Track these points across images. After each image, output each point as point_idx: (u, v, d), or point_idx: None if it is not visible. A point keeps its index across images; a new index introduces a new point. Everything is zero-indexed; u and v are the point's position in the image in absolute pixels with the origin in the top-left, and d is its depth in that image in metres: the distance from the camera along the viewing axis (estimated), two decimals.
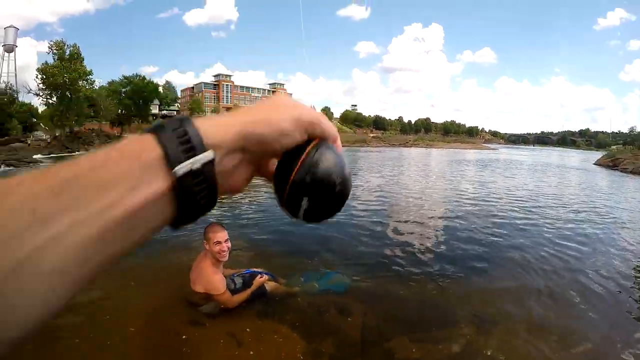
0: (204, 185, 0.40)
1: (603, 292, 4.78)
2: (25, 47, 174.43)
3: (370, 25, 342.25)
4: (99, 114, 59.23)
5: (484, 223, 7.97)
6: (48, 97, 50.16)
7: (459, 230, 7.38)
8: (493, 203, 10.50)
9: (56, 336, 3.22)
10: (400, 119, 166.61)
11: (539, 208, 10.10)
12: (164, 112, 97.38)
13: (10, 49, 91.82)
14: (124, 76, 69.25)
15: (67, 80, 48.50)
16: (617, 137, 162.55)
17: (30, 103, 60.51)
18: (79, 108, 50.87)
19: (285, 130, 0.45)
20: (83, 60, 51.52)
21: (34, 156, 34.21)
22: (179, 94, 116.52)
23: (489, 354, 3.37)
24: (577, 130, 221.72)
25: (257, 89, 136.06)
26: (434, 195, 12.05)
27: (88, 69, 51.80)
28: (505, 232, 7.31)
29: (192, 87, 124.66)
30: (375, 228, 7.37)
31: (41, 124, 59.57)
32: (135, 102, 67.32)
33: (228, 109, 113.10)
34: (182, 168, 0.38)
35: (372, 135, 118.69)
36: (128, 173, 0.36)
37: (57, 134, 51.74)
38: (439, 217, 8.62)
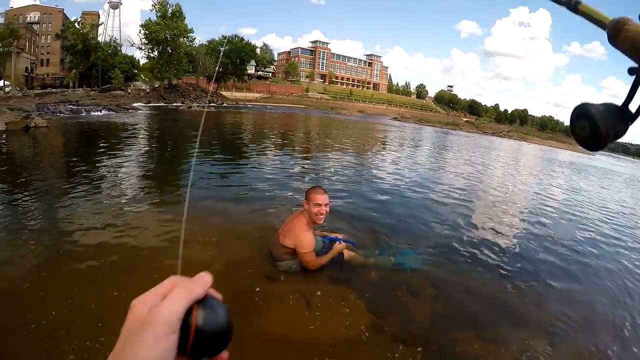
0: None
1: None
2: (130, 5, 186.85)
3: (474, 3, 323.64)
4: (197, 69, 60.84)
5: (569, 232, 7.25)
6: (150, 51, 52.77)
7: (541, 234, 6.76)
8: (581, 213, 9.43)
9: (135, 258, 3.84)
10: (496, 107, 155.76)
11: (631, 228, 8.77)
12: (260, 72, 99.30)
13: (115, 5, 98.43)
14: (223, 36, 70.56)
15: (168, 36, 50.81)
16: None
17: (133, 56, 64.54)
18: (178, 63, 52.96)
19: (160, 357, 0.43)
20: (184, 18, 53.60)
21: (133, 104, 35.50)
22: (275, 57, 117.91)
23: None
24: None
25: (354, 58, 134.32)
26: (520, 193, 11.20)
27: (189, 27, 53.58)
28: (590, 246, 6.57)
29: (289, 52, 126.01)
30: (457, 217, 6.97)
31: (142, 75, 63.02)
32: (233, 61, 68.55)
33: (323, 75, 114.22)
34: None
35: (465, 119, 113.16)
36: None
37: (156, 85, 54.30)
38: (523, 217, 8.02)
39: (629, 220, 9.58)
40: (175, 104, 43.76)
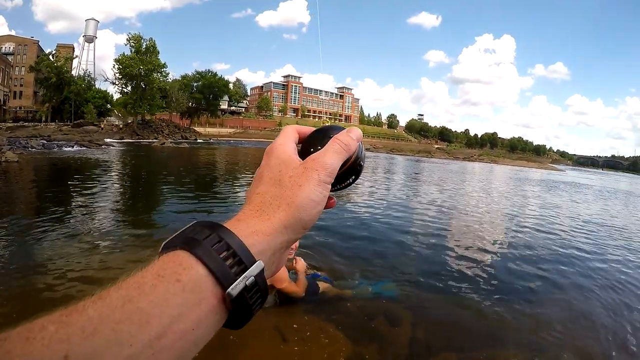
0: (258, 294, 0.39)
1: None
2: (105, 39, 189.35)
3: (441, 33, 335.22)
4: (170, 105, 61.38)
5: (544, 249, 7.37)
6: (123, 86, 53.40)
7: (517, 253, 6.88)
8: (555, 229, 9.65)
9: None
10: (466, 132, 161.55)
11: (602, 239, 9.10)
12: (233, 108, 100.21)
13: (90, 39, 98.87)
14: (196, 71, 71.91)
15: (142, 71, 51.49)
16: None
17: (106, 90, 64.70)
18: (151, 98, 53.54)
19: (319, 202, 0.46)
20: (158, 53, 54.59)
21: (106, 139, 35.65)
22: (248, 92, 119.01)
23: None
24: None
25: (325, 92, 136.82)
26: (494, 214, 11.33)
27: (162, 62, 54.32)
28: (565, 262, 6.69)
29: (262, 86, 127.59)
30: (432, 242, 7.09)
31: (115, 110, 63.14)
32: (206, 96, 69.39)
33: (295, 109, 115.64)
34: (236, 287, 0.37)
35: (436, 146, 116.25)
36: (170, 299, 0.34)
37: (129, 121, 54.70)
38: (497, 238, 8.09)
39: (600, 232, 9.95)
40: (148, 140, 43.95)
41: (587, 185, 33.55)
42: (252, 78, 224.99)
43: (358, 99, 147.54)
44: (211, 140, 57.72)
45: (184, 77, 71.41)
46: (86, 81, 60.98)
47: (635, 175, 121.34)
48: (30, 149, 21.42)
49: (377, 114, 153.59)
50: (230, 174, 17.74)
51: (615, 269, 6.52)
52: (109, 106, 63.46)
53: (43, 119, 57.22)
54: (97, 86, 63.01)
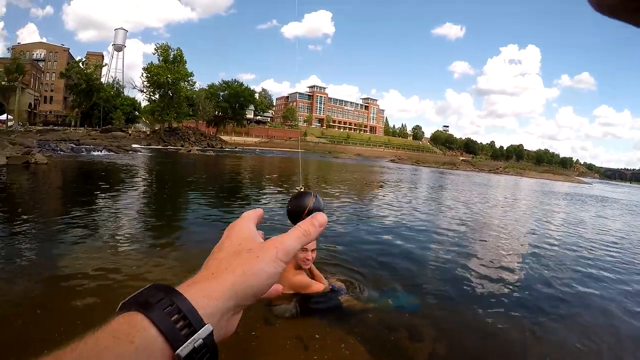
0: (207, 355, 0.41)
1: None
2: (133, 48, 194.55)
3: (465, 44, 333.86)
4: (197, 113, 61.80)
5: (569, 267, 7.04)
6: (151, 93, 54.32)
7: (541, 270, 6.56)
8: (579, 245, 9.15)
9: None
10: (492, 144, 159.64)
11: (631, 257, 8.54)
12: (259, 117, 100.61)
13: (119, 48, 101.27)
14: (223, 80, 72.22)
15: (169, 80, 52.27)
16: None
17: (134, 98, 65.78)
18: (178, 106, 54.18)
19: (272, 275, 0.48)
20: (185, 63, 55.50)
21: (133, 145, 35.70)
22: (274, 102, 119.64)
23: None
24: None
25: (351, 102, 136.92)
26: (518, 229, 10.83)
27: (189, 71, 54.94)
28: (590, 280, 6.41)
29: (287, 97, 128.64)
30: (455, 256, 6.84)
31: (142, 117, 63.86)
32: (232, 105, 69.66)
33: (320, 120, 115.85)
34: (184, 349, 0.39)
35: (462, 158, 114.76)
36: (125, 358, 0.35)
37: (156, 128, 55.11)
38: (521, 254, 7.69)
39: (626, 249, 9.49)
40: (174, 147, 44.18)
41: (615, 199, 32.32)
42: (277, 88, 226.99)
43: (383, 110, 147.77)
44: (237, 149, 57.96)
45: (210, 86, 71.97)
46: (115, 88, 62.26)
47: None
48: (59, 152, 21.20)
49: (402, 125, 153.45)
50: (255, 183, 17.52)
51: None
52: (136, 113, 64.60)
53: (72, 123, 58.25)
54: (125, 93, 64.17)
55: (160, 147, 43.20)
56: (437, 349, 3.58)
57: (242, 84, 72.35)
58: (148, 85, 52.67)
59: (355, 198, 13.80)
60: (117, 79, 69.10)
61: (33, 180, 11.38)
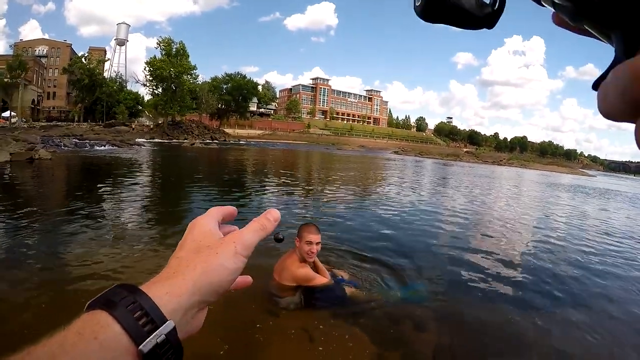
0: (170, 351, 0.42)
1: None
2: (136, 42, 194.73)
3: (469, 35, 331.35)
4: (200, 106, 61.85)
5: (574, 259, 7.10)
6: (154, 87, 54.20)
7: (546, 261, 6.67)
8: (584, 237, 9.23)
9: None
10: (495, 135, 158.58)
11: (631, 248, 8.72)
12: (262, 110, 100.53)
13: (122, 42, 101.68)
14: (226, 73, 72.41)
15: (172, 73, 52.28)
16: None
17: (137, 92, 65.94)
18: (181, 100, 54.19)
19: (232, 270, 0.49)
20: (188, 56, 55.39)
21: (137, 139, 35.77)
22: (277, 94, 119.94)
23: None
24: None
25: (354, 94, 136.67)
26: (523, 221, 10.92)
27: (192, 65, 55.03)
28: (596, 272, 6.44)
29: (290, 89, 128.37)
30: (458, 248, 6.88)
31: (146, 111, 63.94)
32: (235, 98, 69.76)
33: (324, 111, 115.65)
34: (147, 344, 0.40)
35: (465, 150, 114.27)
36: (88, 356, 0.36)
37: (159, 122, 55.23)
38: (526, 246, 7.82)
39: (627, 243, 9.43)
40: (178, 141, 44.27)
41: (618, 192, 32.40)
42: (280, 80, 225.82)
43: (387, 102, 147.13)
44: (240, 142, 57.97)
45: (213, 79, 71.94)
46: (118, 83, 62.28)
47: None
48: (62, 147, 21.28)
49: (406, 116, 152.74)
50: (258, 175, 17.53)
51: None
52: (140, 107, 64.60)
53: (75, 118, 58.41)
54: (128, 88, 64.18)
55: (163, 140, 43.29)
56: (442, 339, 3.61)
57: (245, 77, 72.33)
58: (151, 79, 52.67)
59: (359, 190, 13.83)
60: (119, 73, 69.21)
61: (37, 176, 11.43)
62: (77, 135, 30.48)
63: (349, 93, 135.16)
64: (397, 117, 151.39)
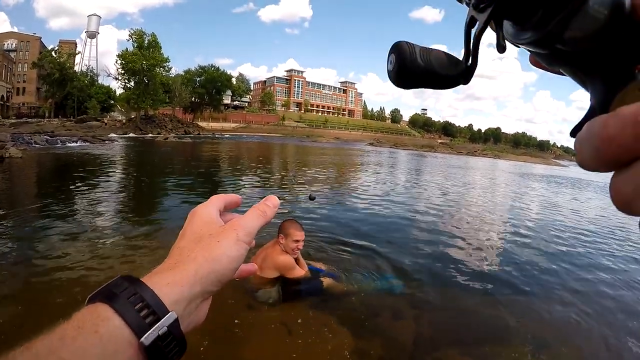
0: (173, 343, 0.42)
1: None
2: (107, 35, 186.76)
3: (443, 28, 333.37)
4: (174, 100, 61.63)
5: (546, 247, 7.37)
6: (126, 81, 53.54)
7: (520, 250, 6.89)
8: (556, 225, 9.69)
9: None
10: (470, 127, 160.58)
11: (608, 235, 9.20)
12: (236, 102, 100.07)
13: (92, 35, 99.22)
14: (199, 66, 72.04)
15: (144, 66, 51.81)
16: None
17: (109, 86, 64.65)
18: (154, 93, 53.68)
19: (235, 258, 0.49)
20: (161, 48, 54.92)
21: (109, 134, 35.85)
22: (251, 87, 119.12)
23: None
24: None
25: (329, 86, 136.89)
26: (497, 211, 11.45)
27: (165, 57, 54.67)
28: (566, 261, 6.63)
29: (265, 81, 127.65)
30: (434, 238, 7.09)
31: (118, 105, 63.04)
32: (209, 91, 69.76)
33: (298, 104, 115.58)
34: (149, 337, 0.39)
35: (440, 141, 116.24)
36: (89, 349, 0.36)
37: (132, 116, 54.77)
38: (500, 235, 8.16)
39: (599, 230, 9.98)
40: (151, 135, 44.03)
41: (588, 181, 33.51)
42: (255, 73, 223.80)
43: (361, 94, 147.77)
44: (215, 135, 57.65)
45: (186, 72, 71.33)
46: (89, 77, 61.04)
47: None
48: (34, 144, 21.26)
49: (381, 108, 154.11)
50: (233, 169, 17.67)
51: (616, 269, 6.50)
52: (112, 102, 63.44)
53: (46, 114, 57.26)
54: (100, 82, 63.07)
55: (136, 135, 43.07)
56: (420, 327, 3.76)
57: (218, 69, 72.20)
58: (123, 72, 52.02)
59: (335, 182, 14.12)
60: (91, 67, 67.95)
61: (8, 176, 11.38)
62: (48, 132, 30.44)
63: (323, 85, 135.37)
64: (372, 109, 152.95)
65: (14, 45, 70.45)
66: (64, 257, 4.62)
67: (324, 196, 10.26)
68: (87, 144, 25.43)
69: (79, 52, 75.59)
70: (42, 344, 0.35)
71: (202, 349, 3.05)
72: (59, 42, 72.69)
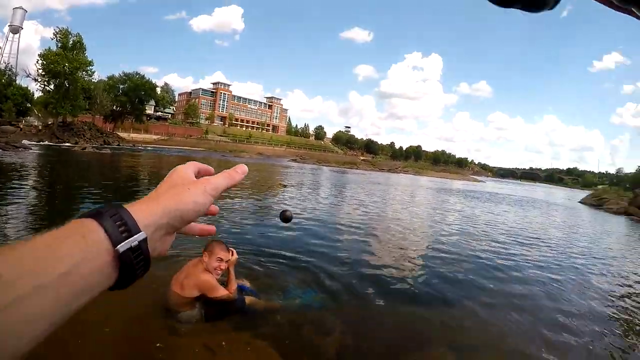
0: (141, 257, 0.50)
1: (577, 330, 4.77)
2: (31, 31, 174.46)
3: (371, 49, 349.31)
4: (94, 107, 59.12)
5: (465, 256, 7.97)
6: (46, 83, 50.30)
7: (439, 260, 7.39)
8: (475, 236, 10.53)
9: None
10: (392, 144, 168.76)
11: (519, 243, 10.26)
12: (159, 113, 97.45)
13: (15, 30, 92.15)
14: (123, 72, 69.38)
15: (67, 68, 48.78)
16: (603, 178, 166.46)
17: (27, 87, 59.58)
18: (74, 98, 50.88)
19: (199, 204, 0.58)
20: (85, 50, 51.92)
21: (23, 141, 33.58)
22: (176, 98, 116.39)
23: None
24: (564, 169, 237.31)
25: (254, 101, 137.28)
26: (417, 224, 12.12)
27: (89, 60, 52.00)
28: (484, 266, 7.32)
29: (190, 92, 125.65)
30: (357, 252, 7.40)
31: (35, 110, 58.96)
32: (132, 99, 67.53)
33: (223, 117, 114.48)
34: (123, 246, 0.47)
35: (362, 158, 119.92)
36: (76, 248, 0.43)
37: (49, 122, 51.48)
38: (420, 246, 8.70)
39: (517, 237, 10.95)
40: (68, 144, 41.90)
41: (505, 195, 36.45)
42: (180, 83, 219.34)
43: (286, 109, 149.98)
44: (135, 147, 55.26)
45: (110, 77, 68.31)
46: (7, 75, 56.34)
47: (550, 185, 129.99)
48: None
49: (305, 125, 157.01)
50: (153, 184, 16.62)
51: (535, 272, 7.19)
52: (29, 105, 59.19)
53: None
54: (17, 82, 58.79)
55: (52, 143, 40.92)
56: (346, 340, 3.80)
57: (143, 77, 70.16)
58: (43, 73, 48.81)
59: (256, 200, 14.19)
60: (10, 65, 62.20)
61: None
62: None
63: (249, 99, 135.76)
64: (297, 125, 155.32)
65: None
66: None
67: (246, 212, 10.34)
68: None
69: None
70: (41, 239, 0.43)
71: None
72: None
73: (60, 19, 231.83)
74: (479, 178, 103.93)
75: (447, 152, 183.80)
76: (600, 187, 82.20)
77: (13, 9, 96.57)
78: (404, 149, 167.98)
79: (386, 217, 12.82)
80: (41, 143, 38.85)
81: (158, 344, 3.28)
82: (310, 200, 15.45)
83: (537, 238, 11.53)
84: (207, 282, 3.62)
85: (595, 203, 37.18)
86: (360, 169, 73.11)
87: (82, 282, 0.43)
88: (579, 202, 41.91)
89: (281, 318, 4.06)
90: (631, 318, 5.51)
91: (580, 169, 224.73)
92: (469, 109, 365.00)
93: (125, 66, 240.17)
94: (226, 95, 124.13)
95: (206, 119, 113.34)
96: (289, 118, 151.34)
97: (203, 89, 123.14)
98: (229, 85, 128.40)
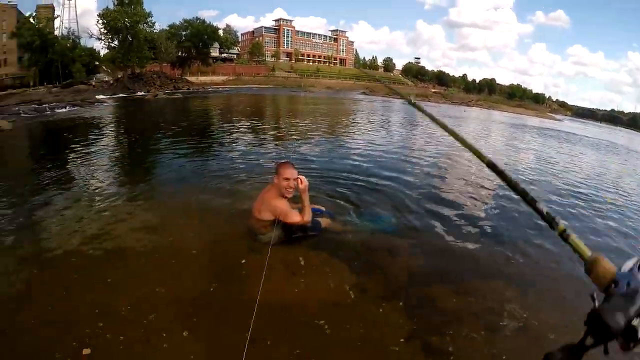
0: None
1: None
2: None
3: None
4: (160, 56, 60.39)
5: (537, 195, 7.05)
6: (110, 40, 51.77)
7: (513, 198, 6.79)
8: (548, 175, 10.22)
9: (120, 247, 3.95)
10: (464, 77, 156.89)
11: (593, 190, 9.44)
12: (224, 55, 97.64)
13: None
14: (184, 19, 69.38)
15: (127, 23, 49.89)
16: None
17: (93, 47, 61.78)
18: (139, 50, 52.10)
19: None
20: (142, 4, 52.41)
21: (98, 96, 34.83)
22: (239, 38, 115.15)
23: (525, 315, 3.31)
24: None
25: (319, 35, 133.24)
26: (491, 157, 11.18)
27: (147, 12, 52.67)
28: (559, 206, 7.01)
29: (253, 32, 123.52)
30: (430, 183, 7.50)
31: (103, 66, 61.19)
32: (196, 44, 67.75)
33: (289, 54, 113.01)
34: None
35: (433, 90, 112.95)
36: None
37: (119, 76, 53.18)
38: (493, 181, 8.21)
39: (592, 182, 10.20)
40: (140, 93, 42.97)
41: (580, 136, 33.64)
42: (242, 23, 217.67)
43: (353, 42, 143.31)
44: (205, 89, 56.46)
45: (171, 26, 68.30)
46: (71, 40, 58.43)
47: (635, 131, 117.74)
48: (22, 114, 20.56)
49: (373, 57, 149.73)
50: (228, 123, 17.73)
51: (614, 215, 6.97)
52: (97, 63, 61.35)
53: (31, 83, 55.16)
54: (82, 44, 60.60)
55: (125, 95, 41.89)
56: (414, 266, 4.00)
57: (204, 22, 69.42)
58: (105, 32, 50.13)
59: (329, 132, 14.43)
60: (71, 29, 64.45)
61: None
62: (35, 100, 29.40)
63: (313, 34, 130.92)
64: (364, 58, 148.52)
65: None
66: (67, 223, 4.61)
67: (320, 143, 10.74)
68: (76, 108, 24.74)
69: (58, 16, 71.83)
70: None
71: (211, 289, 3.28)
72: (37, 8, 69.12)
73: None
74: (556, 116, 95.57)
75: (522, 86, 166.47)
76: None
77: None
78: (477, 81, 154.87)
79: (460, 150, 11.86)
80: (114, 96, 39.83)
81: (243, 260, 3.71)
82: (381, 132, 15.54)
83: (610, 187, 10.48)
84: (279, 208, 3.92)
85: None
86: (431, 101, 69.73)
87: None
88: None
89: (355, 240, 4.29)
90: None
91: None
92: (545, 40, 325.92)
93: (184, 13, 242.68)
94: (289, 31, 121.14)
95: (272, 56, 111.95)
96: (356, 51, 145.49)
97: (265, 27, 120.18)
98: (291, 20, 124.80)
